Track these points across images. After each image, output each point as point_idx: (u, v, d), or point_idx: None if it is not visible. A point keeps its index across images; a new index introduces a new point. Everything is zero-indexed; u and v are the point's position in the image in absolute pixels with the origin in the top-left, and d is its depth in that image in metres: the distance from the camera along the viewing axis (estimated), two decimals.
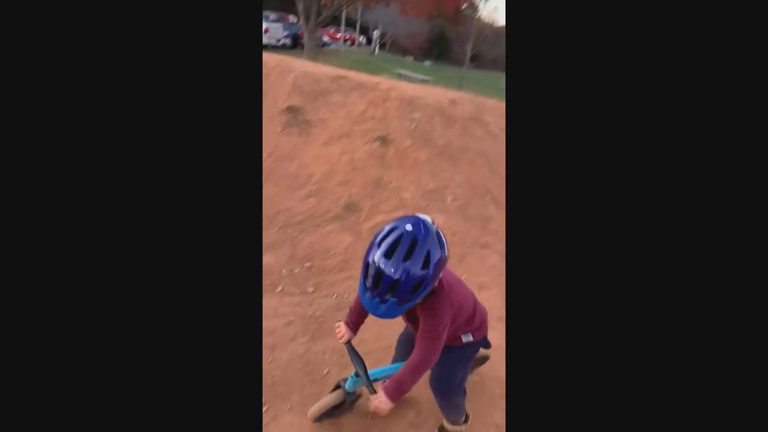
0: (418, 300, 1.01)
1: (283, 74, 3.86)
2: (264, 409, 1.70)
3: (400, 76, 9.29)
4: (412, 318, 1.23)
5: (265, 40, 11.74)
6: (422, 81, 8.38)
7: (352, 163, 3.14)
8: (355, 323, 1.39)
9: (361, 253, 2.52)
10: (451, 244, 2.58)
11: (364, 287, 1.01)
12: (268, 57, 4.23)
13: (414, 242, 0.95)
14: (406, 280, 0.94)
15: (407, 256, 0.94)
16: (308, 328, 2.05)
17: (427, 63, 19.46)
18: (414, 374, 1.12)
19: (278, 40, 12.63)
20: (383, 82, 4.20)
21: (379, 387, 1.17)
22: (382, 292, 0.96)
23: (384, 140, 3.23)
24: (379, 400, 1.11)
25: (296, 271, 2.40)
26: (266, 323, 2.08)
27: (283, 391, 1.75)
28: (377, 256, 0.95)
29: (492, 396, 1.72)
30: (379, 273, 0.95)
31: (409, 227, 0.97)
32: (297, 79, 3.82)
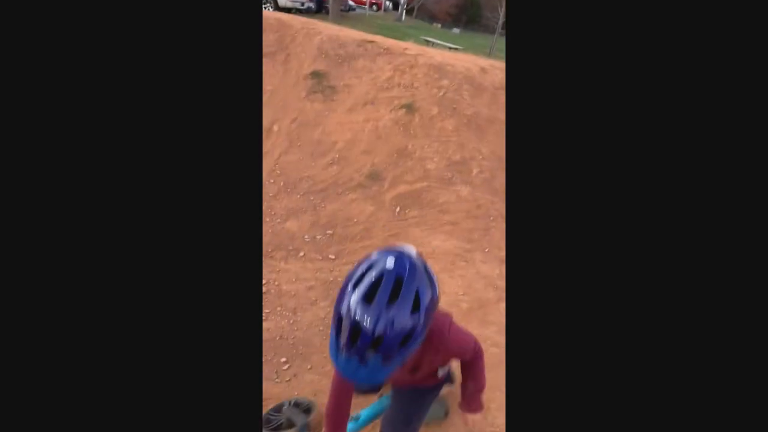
0: (409, 354, 0.80)
1: (308, 37, 3.77)
2: (285, 367, 1.76)
3: (428, 43, 8.95)
4: (412, 369, 1.01)
5: (289, 3, 11.43)
6: (451, 50, 8.05)
7: (376, 131, 3.09)
8: None
9: (384, 223, 2.52)
10: (476, 217, 2.54)
11: (336, 345, 0.76)
12: (292, 20, 4.13)
13: (399, 281, 0.75)
14: (392, 331, 0.74)
15: (392, 299, 0.74)
16: (329, 293, 2.08)
17: (456, 30, 18.64)
18: (482, 379, 1.08)
19: (302, 4, 12.26)
20: (411, 47, 4.05)
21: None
22: (361, 349, 0.74)
23: (410, 108, 3.15)
24: (472, 417, 1.11)
25: (318, 237, 2.42)
26: (288, 287, 2.13)
27: (304, 352, 1.81)
28: (353, 302, 0.74)
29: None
30: (357, 325, 0.73)
31: (390, 263, 0.77)
32: (323, 42, 3.72)
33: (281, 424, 1.46)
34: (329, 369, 1.73)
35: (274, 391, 1.67)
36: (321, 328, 1.91)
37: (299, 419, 1.44)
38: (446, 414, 1.58)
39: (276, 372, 1.74)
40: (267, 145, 3.09)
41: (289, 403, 1.54)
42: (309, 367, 1.75)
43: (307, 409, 1.51)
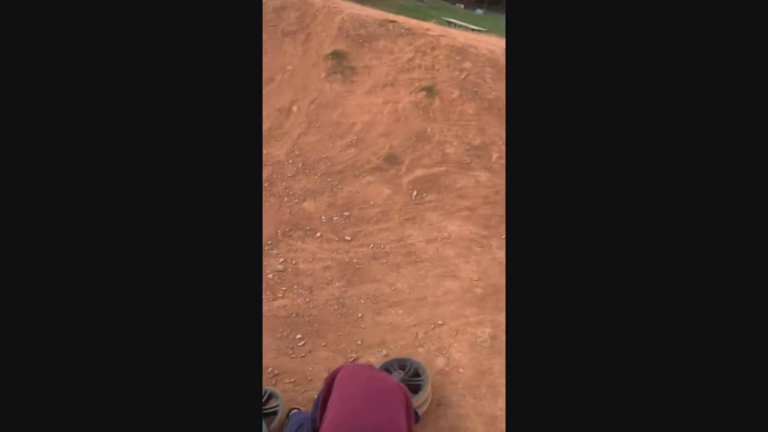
0: None
1: (329, 16, 3.72)
2: (301, 343, 1.81)
3: (450, 25, 8.72)
4: None
5: None
6: (474, 32, 7.83)
7: (395, 113, 3.05)
8: None
9: (400, 206, 2.52)
10: (494, 203, 2.51)
11: None
12: None
13: None
14: None
15: None
16: (345, 273, 2.11)
17: (479, 11, 18.07)
18: None
19: None
20: (433, 28, 3.95)
21: None
22: None
23: (430, 91, 3.09)
24: None
25: (335, 218, 2.44)
26: (305, 266, 2.16)
27: (319, 329, 1.85)
28: None
29: None
30: None
31: None
32: (344, 22, 3.66)
33: None
34: (344, 347, 1.77)
35: (289, 366, 1.73)
36: (336, 307, 1.95)
37: (262, 428, 1.43)
38: None
39: (291, 348, 1.79)
40: (286, 125, 3.09)
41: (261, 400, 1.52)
42: (323, 344, 1.79)
43: (273, 412, 1.51)
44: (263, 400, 1.53)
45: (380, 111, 3.10)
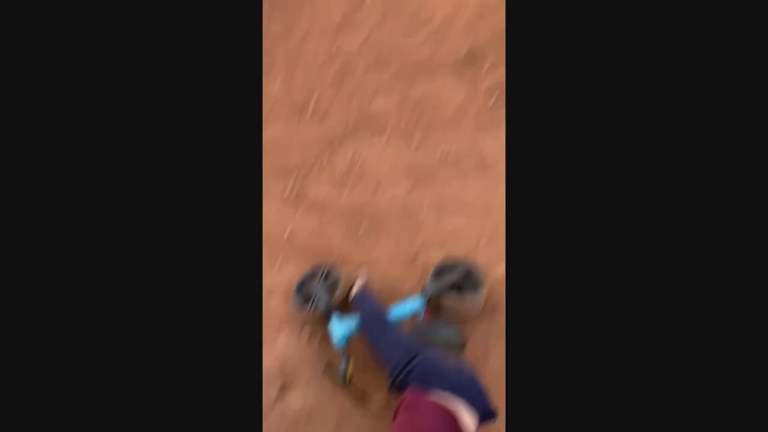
0: None
1: None
2: (365, 236, 1.87)
3: None
4: None
5: None
6: None
7: (481, 6, 2.69)
8: None
9: (475, 112, 2.35)
10: None
11: None
12: None
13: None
14: None
15: None
16: (411, 175, 2.08)
17: None
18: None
19: None
20: None
21: None
22: None
23: None
24: None
25: (404, 120, 2.34)
26: (372, 164, 2.16)
27: (383, 226, 1.89)
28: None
29: None
30: None
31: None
32: None
33: (311, 298, 1.62)
34: (405, 244, 1.82)
35: (353, 255, 1.82)
36: (400, 207, 1.96)
37: (324, 299, 1.56)
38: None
39: (354, 239, 1.87)
40: (359, 15, 2.87)
41: (322, 275, 1.67)
42: (386, 238, 1.85)
43: (334, 284, 1.63)
44: (324, 274, 1.66)
45: (464, 3, 2.74)
